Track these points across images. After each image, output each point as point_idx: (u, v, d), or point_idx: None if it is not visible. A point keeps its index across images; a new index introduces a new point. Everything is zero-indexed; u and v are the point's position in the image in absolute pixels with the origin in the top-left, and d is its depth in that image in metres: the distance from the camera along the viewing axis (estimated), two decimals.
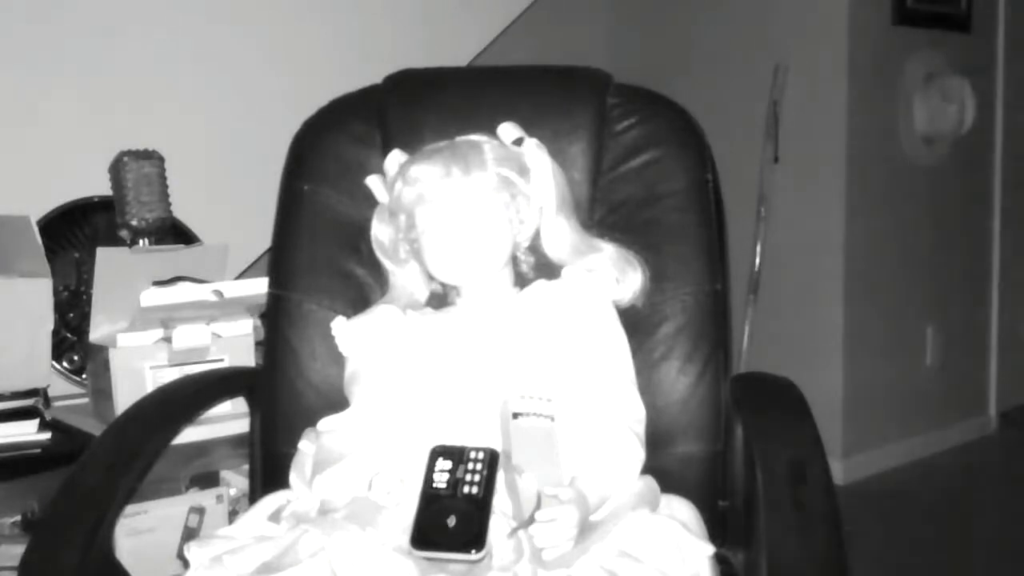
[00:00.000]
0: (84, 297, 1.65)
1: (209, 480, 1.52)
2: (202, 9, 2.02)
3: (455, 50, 2.35)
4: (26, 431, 1.46)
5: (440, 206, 1.06)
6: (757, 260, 2.96)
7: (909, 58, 3.05)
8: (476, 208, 1.06)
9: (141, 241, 1.65)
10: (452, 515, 0.86)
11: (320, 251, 1.22)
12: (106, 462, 1.03)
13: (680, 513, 1.02)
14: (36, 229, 1.61)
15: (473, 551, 0.84)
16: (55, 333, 1.56)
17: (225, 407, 1.46)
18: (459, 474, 0.89)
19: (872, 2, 2.94)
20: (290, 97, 1.67)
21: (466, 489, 0.88)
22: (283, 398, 1.21)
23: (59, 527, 0.94)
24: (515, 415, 0.95)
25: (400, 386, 1.05)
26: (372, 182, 1.18)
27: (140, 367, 1.44)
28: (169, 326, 1.47)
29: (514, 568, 0.86)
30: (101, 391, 1.49)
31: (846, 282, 2.94)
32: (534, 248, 1.13)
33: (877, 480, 3.00)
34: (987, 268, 3.49)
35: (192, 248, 1.70)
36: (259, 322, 1.54)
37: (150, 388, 1.40)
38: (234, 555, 0.90)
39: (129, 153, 1.64)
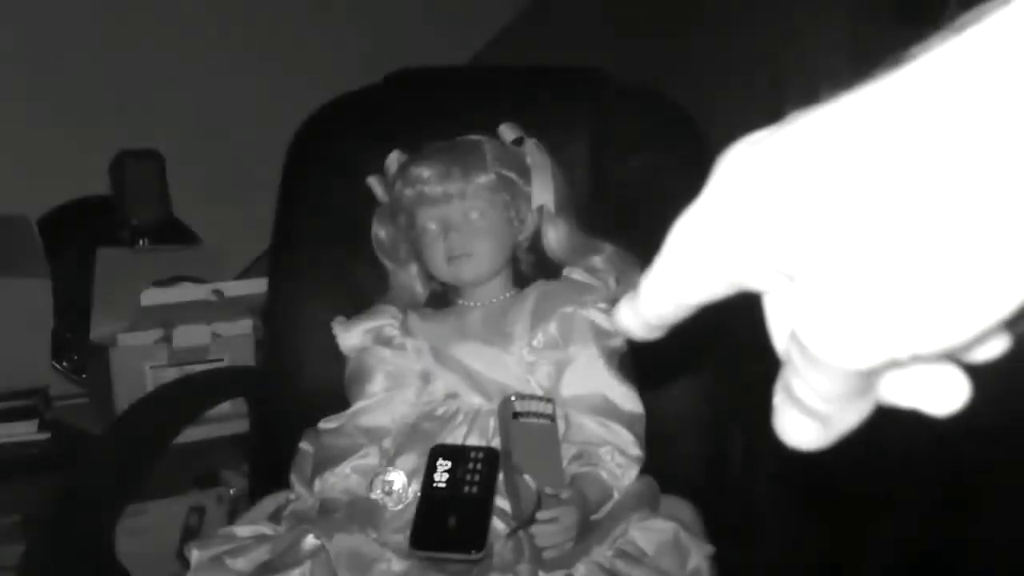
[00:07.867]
0: (84, 297, 1.65)
1: (209, 480, 1.51)
2: (202, 9, 2.02)
3: (455, 50, 2.35)
4: (26, 431, 1.46)
5: (440, 206, 1.06)
6: None
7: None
8: (476, 208, 1.06)
9: (141, 241, 1.65)
10: (452, 515, 0.86)
11: (320, 251, 1.22)
12: (106, 462, 1.03)
13: (680, 513, 1.02)
14: (36, 229, 1.61)
15: (473, 551, 0.84)
16: (55, 333, 1.56)
17: (225, 407, 1.46)
18: (459, 474, 0.89)
19: (873, 3, 2.94)
20: (290, 97, 1.67)
21: (466, 489, 0.88)
22: (283, 398, 1.21)
23: (59, 527, 0.94)
24: (515, 415, 0.95)
25: (400, 386, 1.05)
26: (372, 182, 1.18)
27: (140, 367, 1.44)
28: (169, 326, 1.47)
29: (514, 568, 0.86)
30: (101, 391, 1.49)
31: None
32: (534, 248, 1.13)
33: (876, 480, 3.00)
34: None
35: (192, 248, 1.70)
36: (259, 322, 1.54)
37: (150, 388, 1.40)
38: (234, 555, 0.90)
39: (129, 153, 1.64)
